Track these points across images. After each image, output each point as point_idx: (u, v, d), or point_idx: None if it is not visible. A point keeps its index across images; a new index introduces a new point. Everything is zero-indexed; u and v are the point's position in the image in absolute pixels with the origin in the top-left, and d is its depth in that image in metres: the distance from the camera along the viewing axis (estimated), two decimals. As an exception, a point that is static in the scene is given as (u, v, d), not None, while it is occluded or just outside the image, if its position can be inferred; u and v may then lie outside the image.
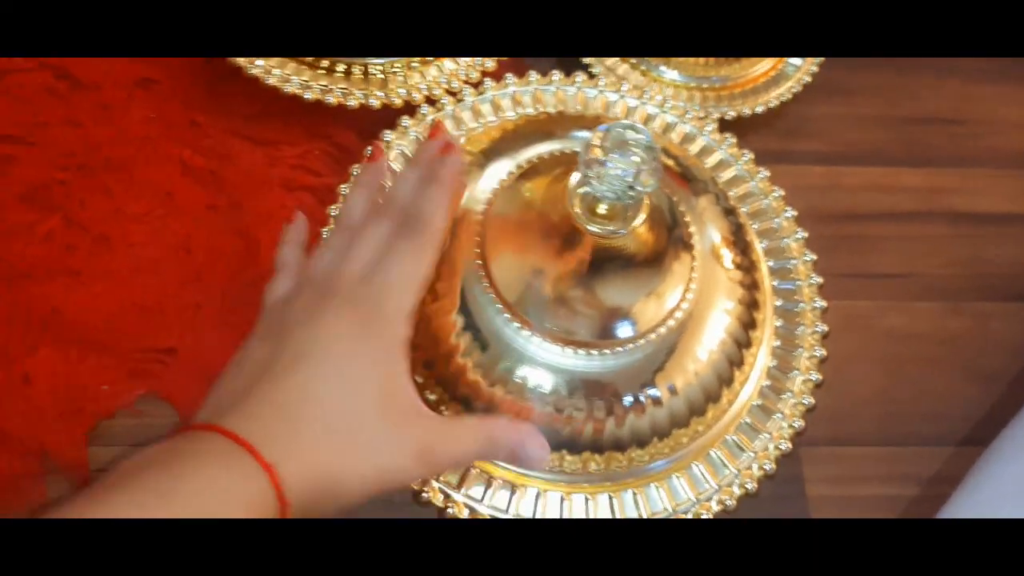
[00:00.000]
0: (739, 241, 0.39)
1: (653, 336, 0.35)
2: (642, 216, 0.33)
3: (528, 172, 0.38)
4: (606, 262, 0.34)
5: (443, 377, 0.35)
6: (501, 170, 0.38)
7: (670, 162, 0.40)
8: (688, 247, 0.36)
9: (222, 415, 0.29)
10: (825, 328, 0.40)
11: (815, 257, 0.41)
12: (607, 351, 0.35)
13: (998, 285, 0.47)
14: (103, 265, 0.41)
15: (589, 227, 0.33)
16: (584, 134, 0.41)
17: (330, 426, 0.29)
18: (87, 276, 0.41)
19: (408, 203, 0.36)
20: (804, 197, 0.47)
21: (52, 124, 0.44)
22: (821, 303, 0.40)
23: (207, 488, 0.26)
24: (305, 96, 0.43)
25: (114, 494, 0.26)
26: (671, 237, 0.36)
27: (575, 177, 0.33)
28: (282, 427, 0.28)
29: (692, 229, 0.37)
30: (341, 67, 0.45)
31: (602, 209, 0.33)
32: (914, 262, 0.47)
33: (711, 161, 0.44)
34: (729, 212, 0.40)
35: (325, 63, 0.44)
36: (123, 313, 0.40)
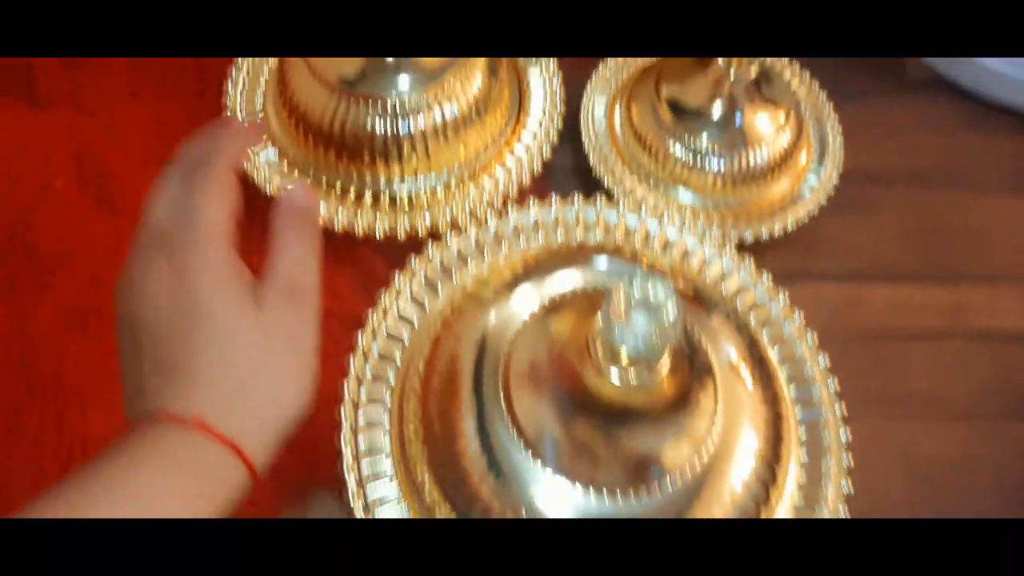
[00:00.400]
0: (763, 375, 0.39)
1: (678, 480, 0.34)
2: (665, 366, 0.34)
3: (552, 309, 0.38)
4: (628, 410, 0.34)
5: (457, 499, 0.35)
6: (526, 304, 0.39)
7: (690, 292, 0.41)
8: (711, 392, 0.36)
9: (158, 402, 0.29)
10: (851, 463, 0.39)
11: (838, 388, 0.41)
12: (635, 495, 0.34)
13: (1027, 407, 0.46)
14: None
15: (612, 380, 0.33)
16: (602, 259, 0.42)
17: (242, 378, 0.29)
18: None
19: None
20: (826, 316, 0.47)
21: (92, 246, 0.45)
22: (847, 434, 0.40)
23: (180, 481, 0.27)
24: (333, 227, 0.44)
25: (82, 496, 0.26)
26: (693, 382, 0.36)
27: (597, 324, 0.33)
28: (215, 397, 0.29)
29: (716, 370, 0.37)
30: (368, 195, 0.45)
31: (624, 359, 0.33)
32: (941, 385, 0.46)
33: (730, 286, 0.44)
34: (752, 345, 0.40)
35: (352, 191, 0.45)
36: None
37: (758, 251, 0.47)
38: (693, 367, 0.36)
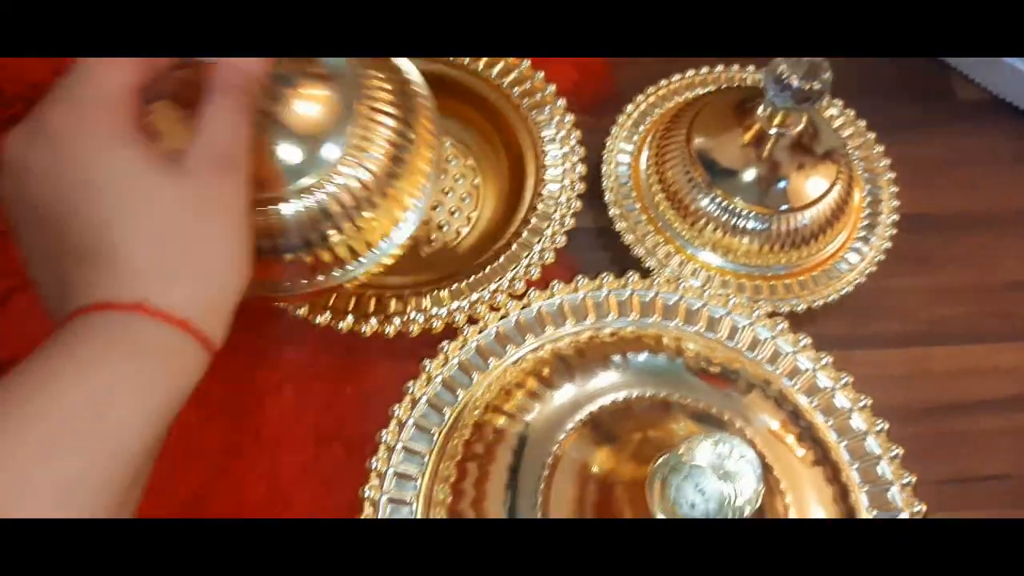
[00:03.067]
0: (837, 486, 0.35)
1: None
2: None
3: (593, 426, 0.34)
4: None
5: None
6: (566, 411, 0.35)
7: (715, 369, 0.36)
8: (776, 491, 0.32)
9: (88, 295, 0.25)
10: None
11: (912, 480, 0.37)
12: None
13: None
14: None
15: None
16: (643, 359, 0.37)
17: (174, 249, 0.26)
18: None
19: None
20: (886, 388, 0.42)
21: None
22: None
23: (130, 369, 0.24)
24: (338, 327, 0.39)
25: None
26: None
27: (659, 477, 0.29)
28: (150, 274, 0.26)
29: (789, 498, 0.33)
30: (371, 295, 0.40)
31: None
32: (1020, 459, 0.42)
33: (783, 366, 0.39)
34: (819, 462, 0.35)
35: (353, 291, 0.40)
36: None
37: (810, 318, 0.43)
38: (762, 506, 0.31)
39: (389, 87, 0.35)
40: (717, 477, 0.26)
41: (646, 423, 0.34)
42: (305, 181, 0.33)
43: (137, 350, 0.25)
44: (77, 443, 0.23)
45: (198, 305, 0.26)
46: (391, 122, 0.35)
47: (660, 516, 0.28)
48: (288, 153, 0.33)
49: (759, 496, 0.26)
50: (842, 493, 0.35)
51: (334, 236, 0.34)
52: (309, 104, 0.33)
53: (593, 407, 0.35)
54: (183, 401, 0.26)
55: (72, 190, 0.26)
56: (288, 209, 0.33)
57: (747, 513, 0.26)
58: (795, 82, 0.37)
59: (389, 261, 0.36)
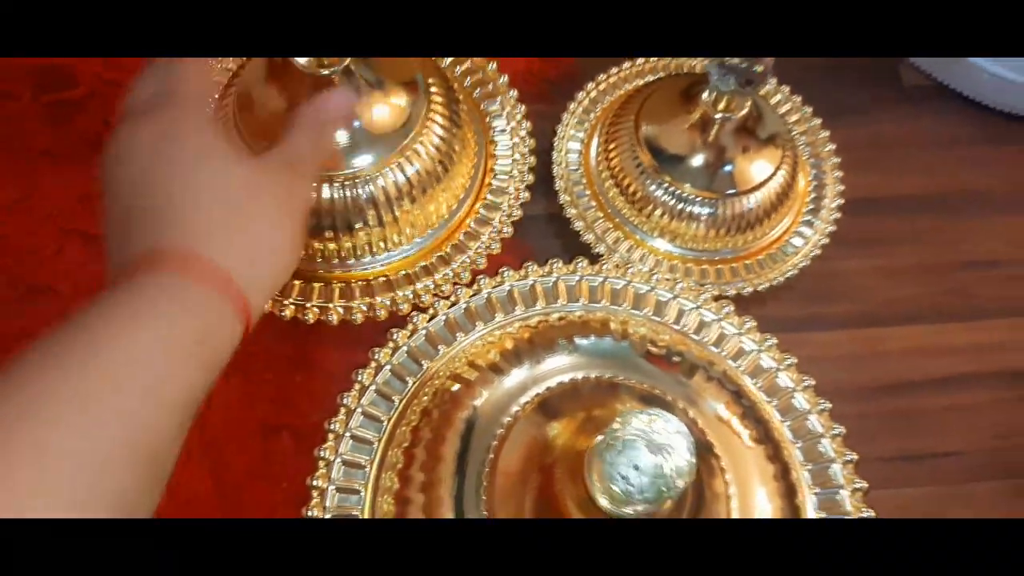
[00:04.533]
0: (779, 467, 0.35)
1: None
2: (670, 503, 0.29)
3: (542, 406, 0.34)
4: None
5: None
6: (514, 394, 0.35)
7: (660, 351, 0.37)
8: (724, 499, 0.32)
9: (147, 240, 0.28)
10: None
11: (855, 457, 0.37)
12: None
13: (1069, 458, 0.42)
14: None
15: (609, 507, 0.28)
16: (589, 341, 0.37)
17: (235, 218, 0.29)
18: None
19: None
20: (836, 368, 0.43)
21: (4, 335, 0.40)
22: (870, 513, 0.36)
23: (173, 332, 0.26)
24: (282, 314, 0.39)
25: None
26: (701, 501, 0.31)
27: (594, 456, 0.29)
28: (208, 229, 0.28)
29: (729, 475, 0.33)
30: (319, 279, 0.40)
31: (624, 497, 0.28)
32: (969, 437, 0.42)
33: (728, 348, 0.39)
34: (761, 440, 0.35)
35: (302, 274, 0.40)
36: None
37: (759, 301, 0.43)
38: (703, 489, 0.31)
39: (444, 103, 0.41)
40: (650, 451, 0.26)
41: (592, 404, 0.34)
42: (362, 166, 0.38)
43: (185, 311, 0.26)
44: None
45: (244, 273, 0.28)
46: (443, 133, 0.40)
47: (598, 494, 0.28)
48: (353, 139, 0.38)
49: (693, 470, 0.26)
50: (783, 471, 0.35)
51: (372, 223, 0.39)
52: (386, 107, 0.39)
53: (540, 389, 0.35)
54: (217, 370, 0.27)
55: (167, 164, 0.29)
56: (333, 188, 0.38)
57: (681, 486, 0.26)
58: (738, 66, 0.37)
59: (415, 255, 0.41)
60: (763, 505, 0.34)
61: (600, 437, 0.28)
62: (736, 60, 0.37)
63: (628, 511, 0.27)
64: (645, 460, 0.26)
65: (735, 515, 0.33)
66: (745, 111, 0.40)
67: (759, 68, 0.37)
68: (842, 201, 0.45)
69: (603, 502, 0.27)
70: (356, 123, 0.38)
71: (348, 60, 0.37)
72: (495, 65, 0.46)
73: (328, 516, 0.35)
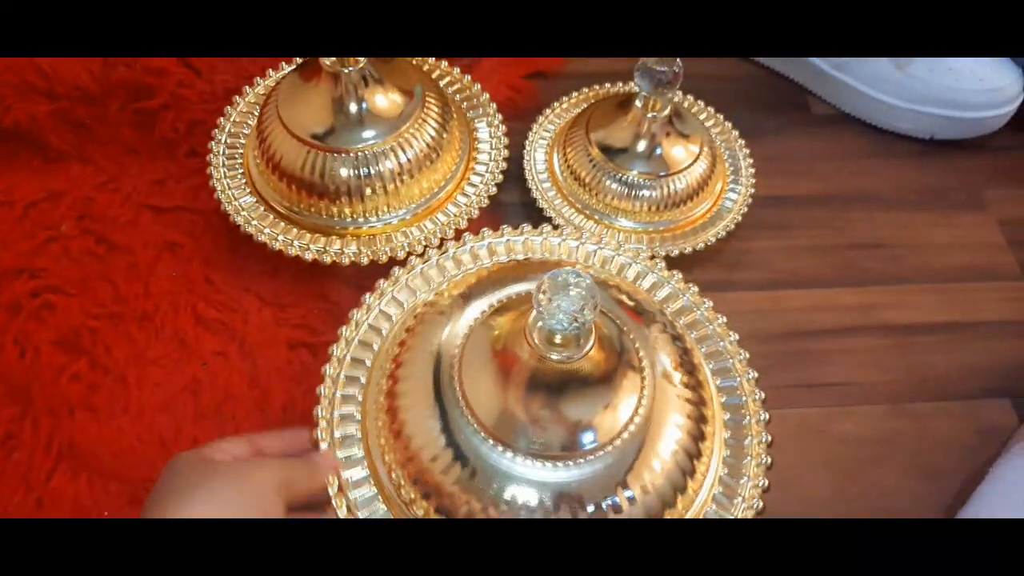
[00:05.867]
0: (686, 363, 0.45)
1: (612, 447, 0.39)
2: (592, 341, 0.39)
3: (498, 311, 0.44)
4: (567, 383, 0.40)
5: (427, 491, 0.40)
6: (476, 310, 0.44)
7: (623, 297, 0.46)
8: (638, 368, 0.42)
9: None
10: (769, 438, 0.44)
11: (757, 375, 0.46)
12: (574, 462, 0.39)
13: (933, 388, 0.51)
14: (120, 403, 0.47)
15: (549, 355, 0.39)
16: (545, 276, 0.48)
17: None
18: (105, 413, 0.47)
19: None
20: (751, 320, 0.53)
21: (91, 279, 0.51)
22: (765, 415, 0.45)
23: None
24: (305, 257, 0.50)
25: None
26: (620, 360, 0.41)
27: (533, 314, 0.39)
28: None
29: (642, 354, 0.42)
30: (336, 233, 0.52)
31: (558, 339, 0.39)
32: (855, 372, 0.52)
33: (661, 295, 0.50)
34: (677, 338, 0.45)
35: (322, 228, 0.52)
36: (134, 447, 0.46)
37: (686, 265, 0.54)
38: (620, 357, 0.41)
39: (437, 103, 0.53)
40: (566, 294, 0.36)
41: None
42: (369, 142, 0.50)
43: None
44: None
45: None
46: (434, 128, 0.52)
47: (541, 345, 0.38)
48: (361, 120, 0.50)
49: (594, 295, 0.36)
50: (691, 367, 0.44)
51: (379, 190, 0.50)
52: (386, 99, 0.51)
53: (496, 299, 0.45)
54: None
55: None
56: (349, 162, 0.50)
57: (589, 316, 0.36)
58: (654, 68, 0.50)
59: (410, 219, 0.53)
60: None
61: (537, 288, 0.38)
62: (653, 63, 0.49)
63: (557, 351, 0.38)
64: (562, 302, 0.36)
65: (646, 402, 0.41)
66: (667, 111, 0.53)
67: (675, 69, 0.49)
68: (754, 191, 0.57)
69: (537, 341, 0.38)
70: (364, 105, 0.50)
71: (364, 61, 0.50)
72: (479, 86, 0.59)
73: (336, 414, 0.44)
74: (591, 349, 0.39)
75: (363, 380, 0.45)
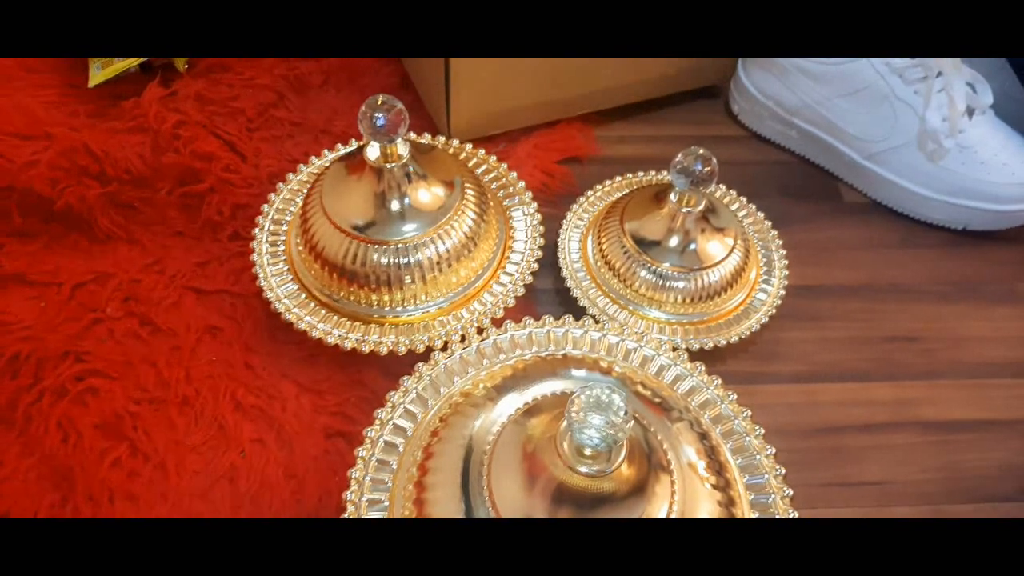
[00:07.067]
0: (714, 463, 0.45)
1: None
2: (623, 455, 0.39)
3: (531, 410, 0.44)
4: (596, 502, 0.40)
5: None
6: (510, 405, 0.45)
7: (648, 393, 0.47)
8: (668, 470, 0.42)
9: None
10: None
11: (784, 471, 0.46)
12: (604, 570, 0.39)
13: (971, 488, 0.51)
14: (159, 490, 0.48)
15: (578, 467, 0.39)
16: (581, 373, 0.48)
17: None
18: (144, 500, 0.47)
19: None
20: (783, 414, 0.53)
21: (134, 362, 0.53)
22: (794, 514, 0.45)
23: None
24: (344, 346, 0.51)
25: None
26: (651, 464, 0.41)
27: (563, 424, 0.39)
28: None
29: (671, 455, 0.43)
30: (374, 321, 0.53)
31: (587, 451, 0.39)
32: (890, 470, 0.52)
33: (684, 387, 0.50)
34: (703, 436, 0.45)
35: (361, 317, 0.53)
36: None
37: (720, 356, 0.54)
38: (650, 461, 0.41)
39: (475, 193, 0.54)
40: (599, 411, 0.37)
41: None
42: (410, 234, 0.51)
43: None
44: None
45: None
46: (472, 218, 0.53)
47: (571, 457, 0.38)
48: (402, 215, 0.52)
49: (629, 420, 0.37)
50: (723, 482, 0.44)
51: (417, 279, 0.51)
52: (428, 192, 0.52)
53: (528, 398, 0.45)
54: None
55: None
56: (390, 252, 0.51)
57: (621, 437, 0.37)
58: (689, 167, 0.51)
59: (447, 307, 0.53)
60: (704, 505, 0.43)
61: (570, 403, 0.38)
62: (689, 161, 0.50)
63: (587, 464, 0.38)
64: (595, 418, 0.37)
65: (676, 513, 0.42)
66: (702, 206, 0.54)
67: (707, 169, 0.50)
68: (787, 283, 0.57)
69: (567, 451, 0.38)
70: (407, 200, 0.51)
71: (407, 158, 0.51)
72: (516, 174, 0.60)
73: (364, 499, 0.45)
74: (622, 463, 0.40)
75: (394, 465, 0.46)
